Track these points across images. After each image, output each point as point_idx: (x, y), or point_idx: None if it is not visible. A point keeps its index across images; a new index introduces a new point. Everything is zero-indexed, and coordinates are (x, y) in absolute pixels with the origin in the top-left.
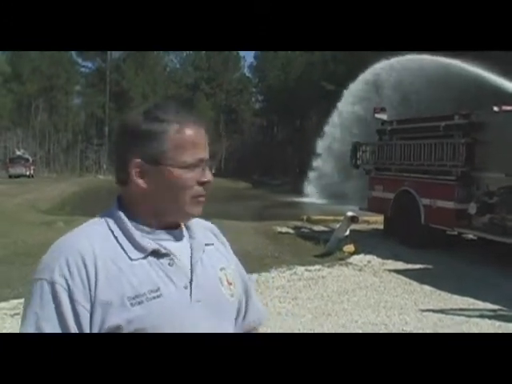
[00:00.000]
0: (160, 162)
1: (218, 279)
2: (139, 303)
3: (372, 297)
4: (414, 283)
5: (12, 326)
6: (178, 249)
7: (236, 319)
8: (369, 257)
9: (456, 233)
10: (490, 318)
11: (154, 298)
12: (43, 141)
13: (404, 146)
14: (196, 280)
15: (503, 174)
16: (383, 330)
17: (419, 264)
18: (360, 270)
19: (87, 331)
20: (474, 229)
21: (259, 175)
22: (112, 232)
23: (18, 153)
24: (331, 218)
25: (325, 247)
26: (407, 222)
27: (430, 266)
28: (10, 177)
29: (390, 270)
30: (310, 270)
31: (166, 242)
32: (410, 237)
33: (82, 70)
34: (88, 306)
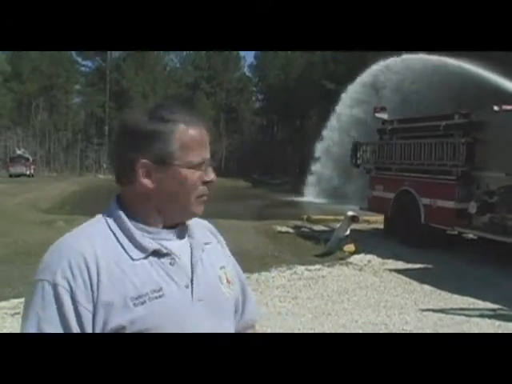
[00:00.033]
0: (167, 162)
1: (218, 278)
2: (142, 303)
3: (372, 296)
4: (414, 283)
5: (12, 326)
6: (178, 248)
7: (234, 318)
8: (369, 256)
9: (456, 232)
10: (490, 317)
11: (157, 297)
12: (43, 140)
13: (404, 145)
14: (197, 279)
15: (503, 173)
16: (383, 330)
17: (419, 263)
18: (360, 270)
19: (89, 332)
20: (474, 228)
21: (259, 174)
22: (112, 232)
23: (19, 152)
24: (331, 217)
25: (325, 247)
26: (407, 221)
27: (430, 266)
28: (11, 176)
29: (390, 270)
30: (310, 270)
31: (166, 242)
32: (410, 236)
33: (82, 69)
34: (90, 308)
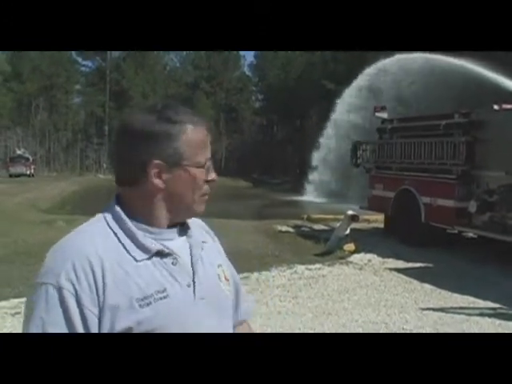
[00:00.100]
0: (178, 162)
1: (217, 276)
2: (148, 304)
3: (372, 295)
4: (415, 282)
5: (13, 325)
6: (179, 247)
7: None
8: (369, 255)
9: (456, 231)
10: (490, 316)
11: (161, 298)
12: (43, 140)
13: (404, 144)
14: (198, 278)
15: (503, 172)
16: (384, 329)
17: (419, 262)
18: (360, 269)
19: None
20: (474, 227)
21: (259, 174)
22: (113, 231)
23: (19, 152)
24: (331, 216)
25: (325, 246)
26: (407, 220)
27: (430, 265)
28: (11, 176)
29: (390, 269)
30: (310, 269)
31: (167, 242)
32: (410, 235)
33: (82, 69)
34: (96, 311)
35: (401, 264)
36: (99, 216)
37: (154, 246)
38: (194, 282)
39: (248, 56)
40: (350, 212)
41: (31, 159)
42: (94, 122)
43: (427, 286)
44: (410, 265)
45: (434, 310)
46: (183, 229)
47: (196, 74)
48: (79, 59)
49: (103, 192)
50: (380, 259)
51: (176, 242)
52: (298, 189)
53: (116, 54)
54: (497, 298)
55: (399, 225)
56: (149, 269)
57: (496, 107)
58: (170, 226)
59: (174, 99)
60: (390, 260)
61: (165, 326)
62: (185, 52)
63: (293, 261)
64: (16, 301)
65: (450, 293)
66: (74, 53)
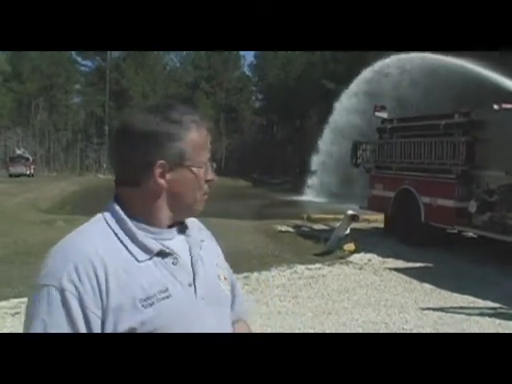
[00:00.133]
0: (182, 162)
1: (217, 275)
2: (151, 305)
3: (372, 295)
4: (415, 281)
5: (13, 325)
6: (178, 247)
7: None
8: (369, 255)
9: (456, 231)
10: (490, 316)
11: (164, 298)
12: (43, 140)
13: (404, 144)
14: (199, 277)
15: (503, 172)
16: (383, 329)
17: (419, 262)
18: (360, 269)
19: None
20: (474, 227)
21: (259, 174)
22: (113, 231)
23: (19, 152)
24: (331, 216)
25: (325, 246)
26: (407, 220)
27: (430, 265)
28: (11, 176)
29: (390, 269)
30: (310, 269)
31: (167, 241)
32: (410, 235)
33: (82, 68)
34: (99, 313)
35: (401, 264)
36: (99, 216)
37: (155, 246)
38: (194, 282)
39: (248, 56)
40: (350, 212)
41: (31, 159)
42: (93, 122)
43: (427, 286)
44: (410, 265)
45: (433, 309)
46: (182, 228)
47: (196, 74)
48: (79, 59)
49: (103, 192)
50: (380, 259)
51: (175, 242)
52: (298, 189)
53: (116, 53)
54: (497, 297)
55: (399, 225)
56: (150, 269)
57: (496, 107)
58: (169, 226)
59: (174, 99)
60: (390, 260)
61: (167, 325)
62: (185, 52)
63: (293, 261)
64: (16, 301)
65: (449, 293)
66: (73, 53)
